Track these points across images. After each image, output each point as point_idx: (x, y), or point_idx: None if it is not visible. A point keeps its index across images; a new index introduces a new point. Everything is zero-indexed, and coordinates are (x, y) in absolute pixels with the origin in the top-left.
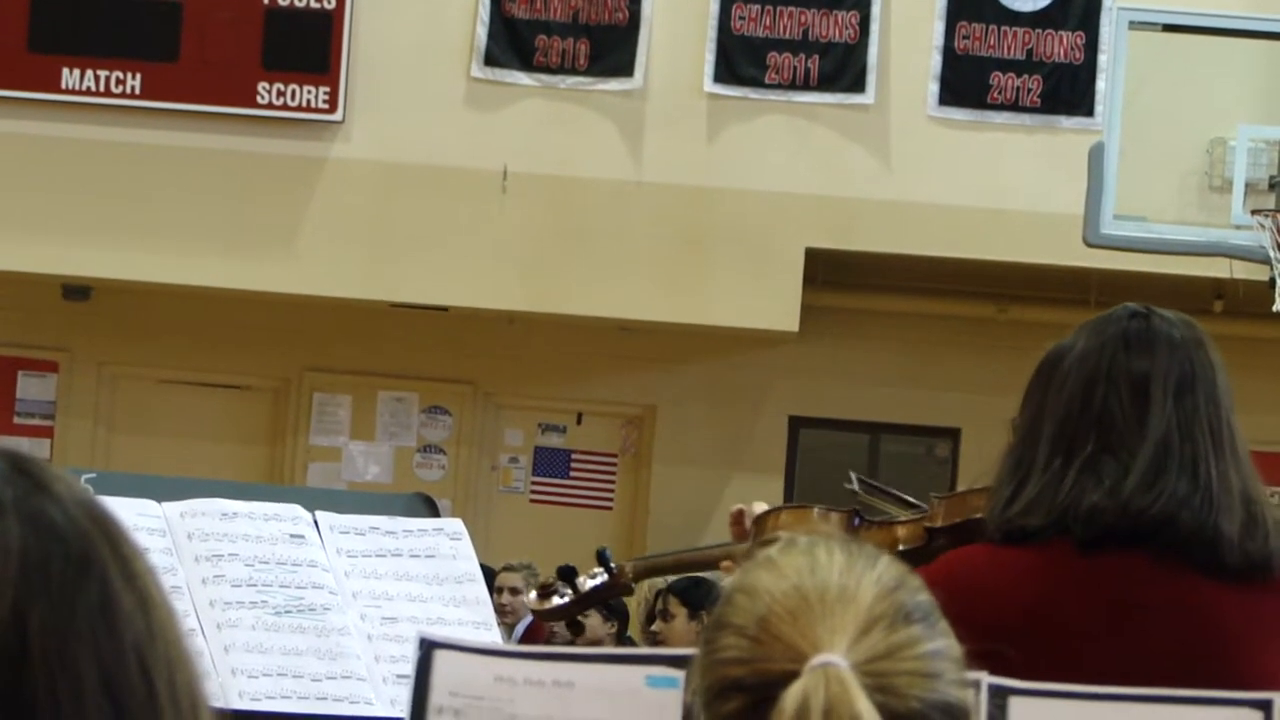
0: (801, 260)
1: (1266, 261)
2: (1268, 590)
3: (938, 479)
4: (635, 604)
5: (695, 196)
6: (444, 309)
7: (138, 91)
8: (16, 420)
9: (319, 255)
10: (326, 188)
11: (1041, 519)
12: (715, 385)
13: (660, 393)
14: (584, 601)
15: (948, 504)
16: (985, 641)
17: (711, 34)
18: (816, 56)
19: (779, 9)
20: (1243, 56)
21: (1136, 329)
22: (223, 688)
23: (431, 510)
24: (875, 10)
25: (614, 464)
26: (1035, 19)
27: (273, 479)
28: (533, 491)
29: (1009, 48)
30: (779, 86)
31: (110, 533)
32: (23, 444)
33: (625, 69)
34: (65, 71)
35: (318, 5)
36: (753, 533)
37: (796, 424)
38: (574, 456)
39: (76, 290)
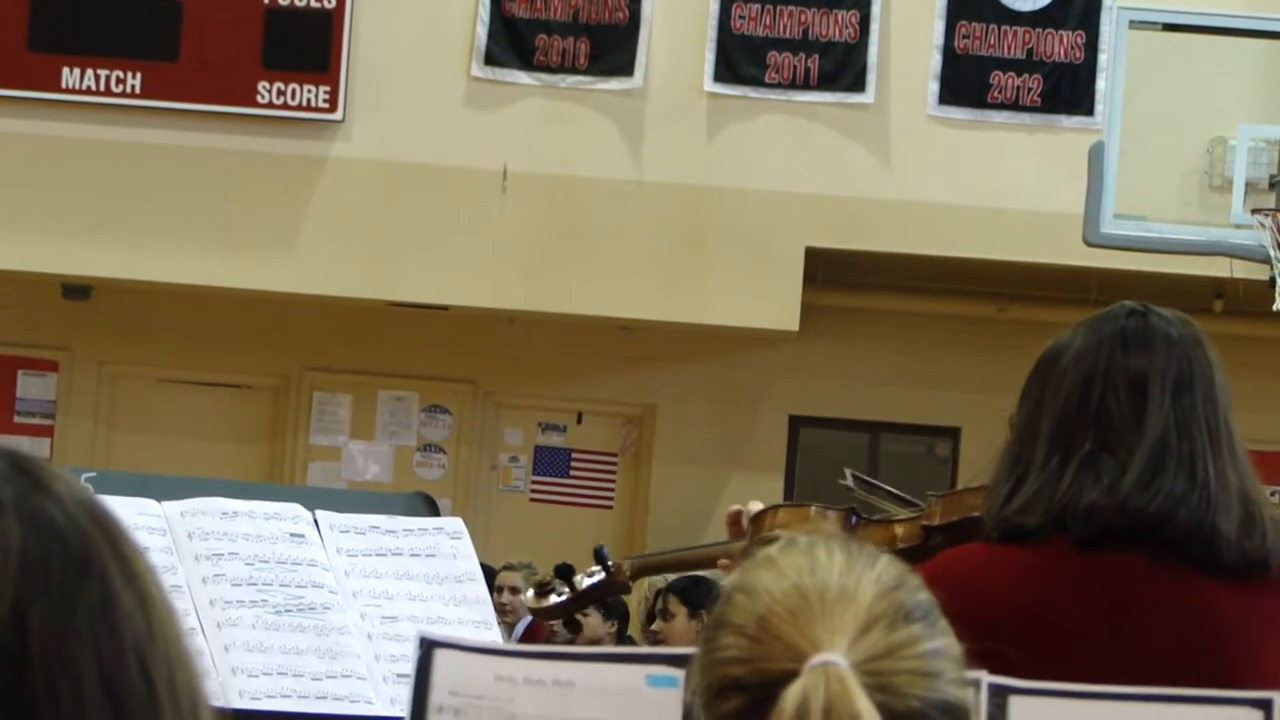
0: (801, 260)
1: (1266, 261)
2: (1265, 589)
3: (938, 478)
4: (635, 603)
5: (695, 196)
6: (444, 308)
7: (138, 91)
8: (16, 419)
9: (319, 255)
10: (326, 187)
11: (1039, 517)
12: (715, 385)
13: (660, 392)
14: (581, 599)
15: (945, 502)
16: (983, 640)
17: (711, 33)
18: (816, 56)
19: (779, 8)
20: (1243, 56)
21: (1134, 327)
22: (223, 687)
23: (431, 509)
24: (875, 9)
25: (614, 463)
26: (1035, 18)
27: (273, 478)
28: (533, 491)
29: (1009, 47)
30: (779, 86)
31: (110, 532)
32: (23, 443)
33: (625, 68)
34: (65, 71)
35: (318, 5)
36: (750, 531)
37: (796, 423)
38: (574, 456)
39: (76, 289)
